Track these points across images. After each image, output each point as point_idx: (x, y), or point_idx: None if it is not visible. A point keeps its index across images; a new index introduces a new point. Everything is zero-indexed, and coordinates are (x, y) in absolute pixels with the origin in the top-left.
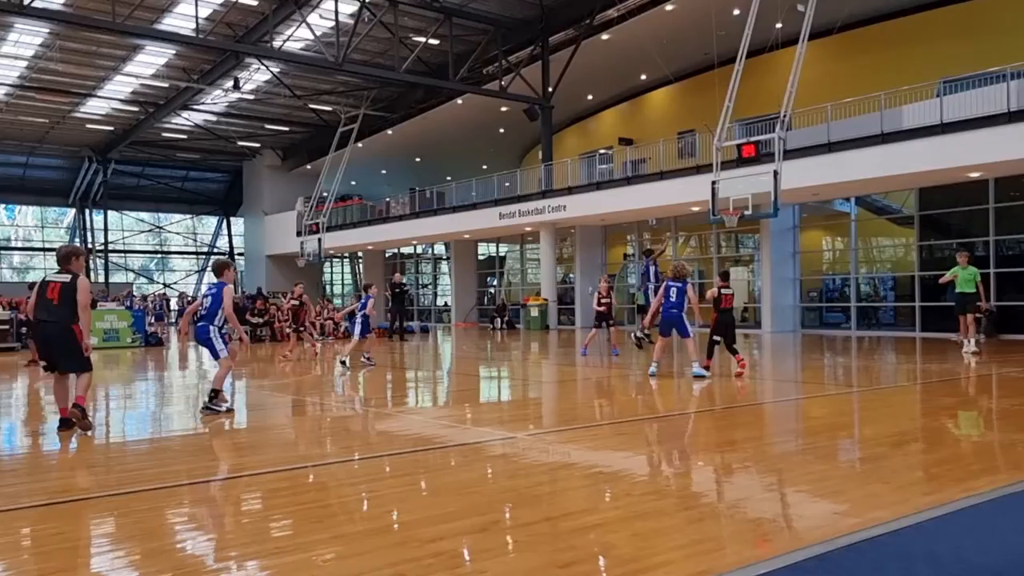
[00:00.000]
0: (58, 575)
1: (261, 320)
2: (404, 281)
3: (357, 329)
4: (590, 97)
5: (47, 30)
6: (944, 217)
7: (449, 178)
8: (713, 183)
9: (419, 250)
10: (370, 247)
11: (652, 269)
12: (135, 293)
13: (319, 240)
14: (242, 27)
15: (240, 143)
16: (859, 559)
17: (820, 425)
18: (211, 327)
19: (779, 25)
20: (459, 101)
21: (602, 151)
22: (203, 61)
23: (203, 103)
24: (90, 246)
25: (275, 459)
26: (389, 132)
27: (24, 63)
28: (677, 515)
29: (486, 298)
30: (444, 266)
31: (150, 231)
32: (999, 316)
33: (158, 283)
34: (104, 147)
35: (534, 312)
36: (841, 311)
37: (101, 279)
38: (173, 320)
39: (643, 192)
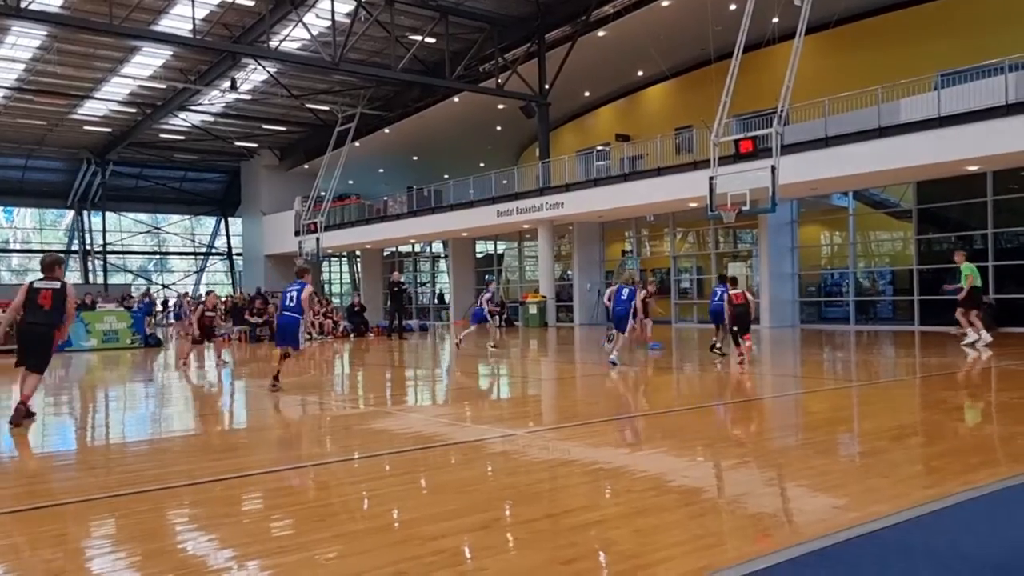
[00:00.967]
0: None
1: (260, 320)
2: (403, 280)
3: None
4: (587, 94)
5: (45, 32)
6: (942, 211)
7: (446, 176)
8: (711, 179)
9: (417, 248)
10: (368, 246)
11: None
12: (154, 295)
13: (317, 239)
14: (239, 28)
15: (238, 143)
16: (859, 553)
17: (820, 420)
18: (301, 320)
19: (776, 19)
20: (456, 99)
21: (599, 148)
22: (200, 62)
23: (200, 104)
24: (88, 247)
25: (276, 458)
26: (386, 131)
27: (22, 66)
28: (678, 511)
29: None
30: (442, 264)
31: (148, 232)
32: (998, 309)
33: (156, 283)
34: (102, 149)
35: (533, 309)
36: (840, 306)
37: (100, 280)
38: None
39: (640, 188)
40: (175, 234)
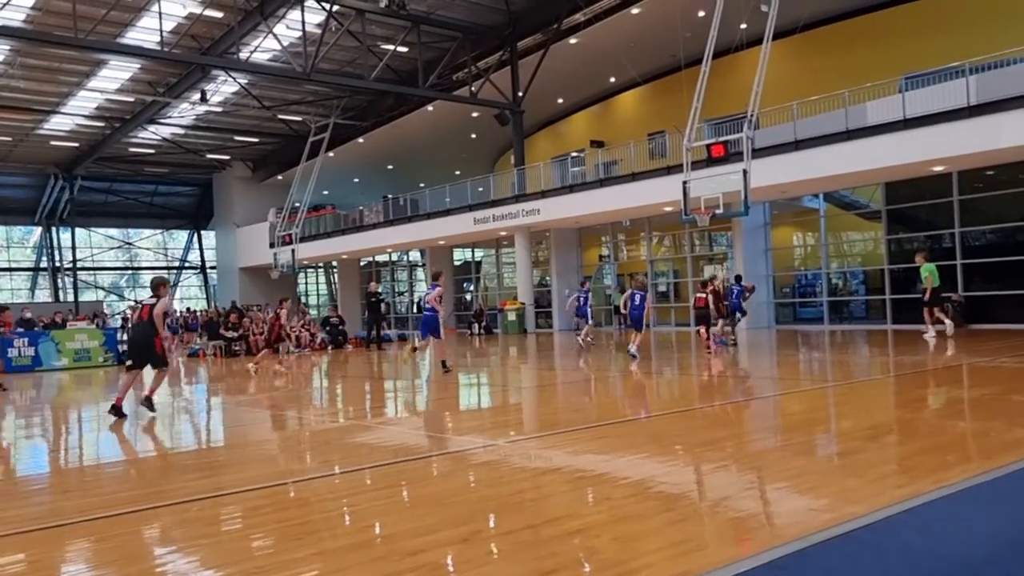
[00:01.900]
0: None
1: (236, 334)
2: (380, 290)
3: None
4: (560, 101)
5: (7, 47)
6: (911, 211)
7: (422, 185)
8: (684, 183)
9: (394, 257)
10: (344, 256)
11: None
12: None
13: (292, 251)
14: (208, 39)
15: (209, 156)
16: (835, 554)
17: (797, 421)
18: (439, 315)
19: (744, 26)
20: (430, 108)
21: (574, 154)
22: (169, 74)
23: (170, 116)
24: (58, 264)
25: (256, 476)
26: (360, 140)
27: None
28: (658, 517)
29: (463, 304)
30: (420, 272)
31: (120, 247)
32: (967, 306)
33: (129, 300)
34: (70, 164)
35: (511, 316)
36: (814, 306)
37: (70, 298)
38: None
39: (616, 194)
40: (147, 249)
